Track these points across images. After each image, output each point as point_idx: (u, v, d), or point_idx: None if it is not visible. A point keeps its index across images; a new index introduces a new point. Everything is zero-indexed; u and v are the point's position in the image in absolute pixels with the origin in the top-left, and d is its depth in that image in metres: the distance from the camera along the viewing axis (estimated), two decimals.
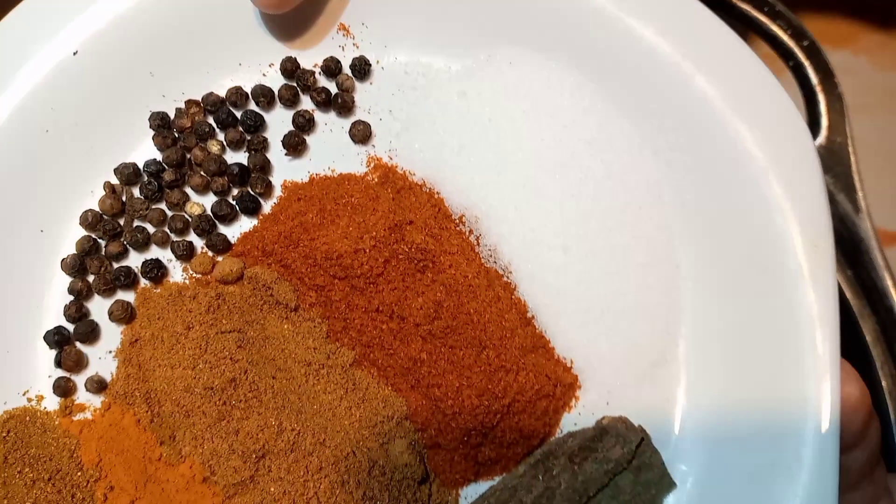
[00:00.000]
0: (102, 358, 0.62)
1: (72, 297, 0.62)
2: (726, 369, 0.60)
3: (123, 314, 0.61)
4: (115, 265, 0.63)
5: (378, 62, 0.65)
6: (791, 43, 0.81)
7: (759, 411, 0.59)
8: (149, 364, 0.59)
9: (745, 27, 0.82)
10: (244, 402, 0.56)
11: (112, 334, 0.62)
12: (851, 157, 0.79)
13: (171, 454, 0.58)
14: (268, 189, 0.64)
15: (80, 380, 0.61)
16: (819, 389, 0.56)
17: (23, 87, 0.61)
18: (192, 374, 0.56)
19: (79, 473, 0.58)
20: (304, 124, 0.65)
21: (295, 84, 0.65)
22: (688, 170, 0.64)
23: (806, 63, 0.80)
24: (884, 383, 0.76)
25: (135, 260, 0.63)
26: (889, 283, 0.78)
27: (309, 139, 0.65)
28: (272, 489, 0.56)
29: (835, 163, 0.79)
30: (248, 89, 0.64)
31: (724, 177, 0.62)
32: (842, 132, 0.79)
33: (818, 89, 0.80)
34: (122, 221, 0.64)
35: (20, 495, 0.56)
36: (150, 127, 0.64)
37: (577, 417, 0.62)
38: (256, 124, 0.64)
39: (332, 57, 0.65)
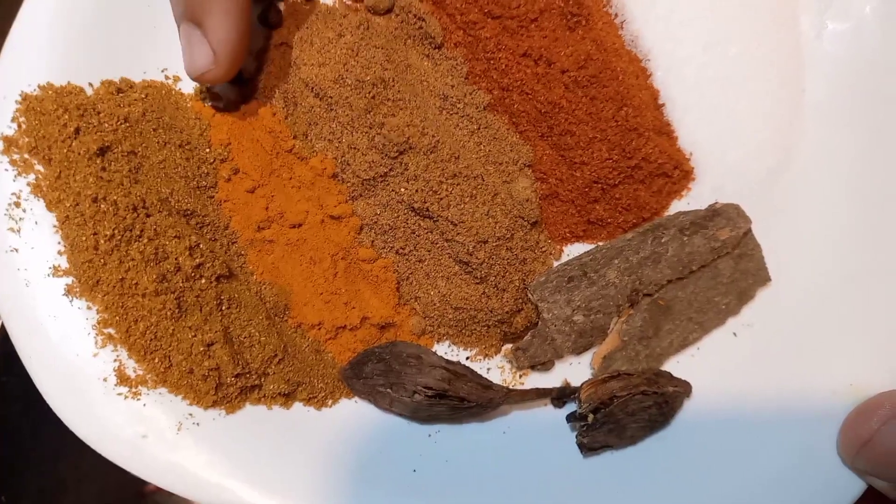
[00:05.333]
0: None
1: None
2: (841, 191, 0.62)
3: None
4: None
5: None
6: None
7: (861, 232, 0.61)
8: (293, 64, 0.61)
9: None
10: (391, 101, 0.57)
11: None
12: None
13: (304, 147, 0.60)
14: None
15: None
16: None
17: None
18: (343, 68, 0.58)
19: (207, 150, 0.59)
20: None
21: None
22: (828, 4, 0.66)
23: None
24: None
25: None
26: None
27: None
28: (402, 189, 0.57)
29: None
30: None
31: (862, 16, 0.64)
32: None
33: None
34: None
35: (153, 150, 0.57)
36: None
37: (686, 207, 0.63)
38: None
39: None
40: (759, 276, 0.62)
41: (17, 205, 0.56)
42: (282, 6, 0.64)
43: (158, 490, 0.80)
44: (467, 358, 0.60)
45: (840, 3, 0.65)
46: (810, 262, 0.62)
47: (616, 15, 0.64)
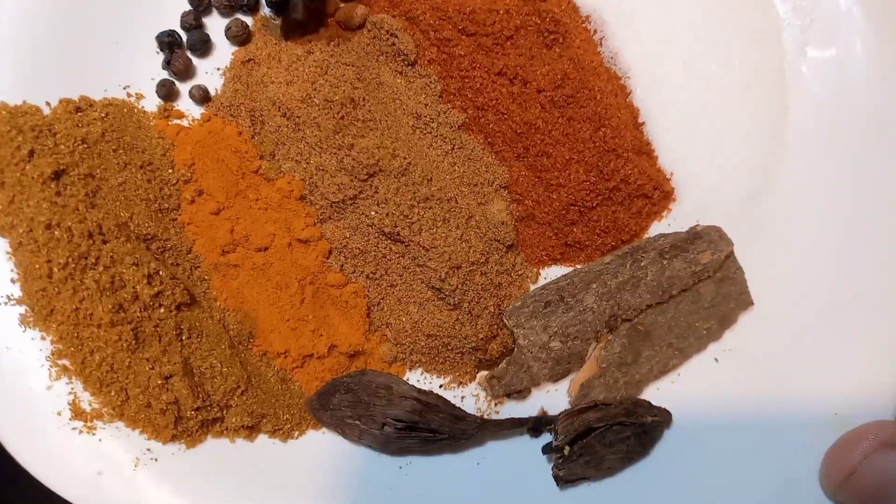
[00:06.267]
0: (210, 73, 0.61)
1: (191, 7, 0.61)
2: (825, 213, 0.61)
3: (241, 33, 0.60)
4: None
5: None
6: None
7: (845, 257, 0.59)
8: (260, 82, 0.59)
9: None
10: (361, 122, 0.55)
11: (223, 54, 0.61)
12: None
13: (271, 168, 0.58)
14: None
15: (183, 89, 0.60)
16: None
17: None
18: (311, 87, 0.56)
19: (170, 171, 0.57)
20: None
21: None
22: (811, 23, 0.64)
23: None
24: None
25: None
26: None
27: None
28: (372, 213, 0.55)
29: None
30: None
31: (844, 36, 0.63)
32: None
33: None
34: None
35: (112, 172, 0.55)
36: None
37: (666, 228, 0.62)
38: None
39: None
40: (742, 300, 0.60)
41: None
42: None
43: None
44: (440, 386, 0.58)
45: (822, 21, 0.63)
46: (794, 285, 0.60)
47: (595, 32, 0.63)
